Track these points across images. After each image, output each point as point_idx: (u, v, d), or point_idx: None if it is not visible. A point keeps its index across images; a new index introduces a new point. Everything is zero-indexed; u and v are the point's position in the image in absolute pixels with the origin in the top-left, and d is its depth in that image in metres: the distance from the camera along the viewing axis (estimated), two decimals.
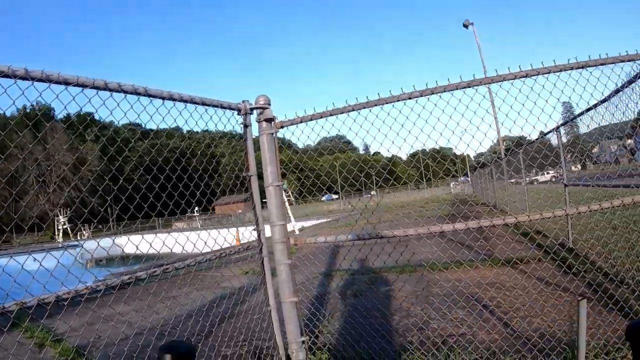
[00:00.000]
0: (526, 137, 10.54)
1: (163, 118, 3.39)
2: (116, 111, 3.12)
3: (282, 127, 3.99)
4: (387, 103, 3.82)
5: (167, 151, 4.49)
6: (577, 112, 6.61)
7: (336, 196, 75.67)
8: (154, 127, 3.77)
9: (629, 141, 6.92)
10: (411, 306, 6.45)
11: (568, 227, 9.21)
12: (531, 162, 11.06)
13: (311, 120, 3.99)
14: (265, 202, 3.94)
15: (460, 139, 3.91)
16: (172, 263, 3.43)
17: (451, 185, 60.83)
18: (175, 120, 3.55)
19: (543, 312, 5.34)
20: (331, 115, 3.94)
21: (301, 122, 4.01)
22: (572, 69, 3.73)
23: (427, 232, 3.84)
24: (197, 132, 4.33)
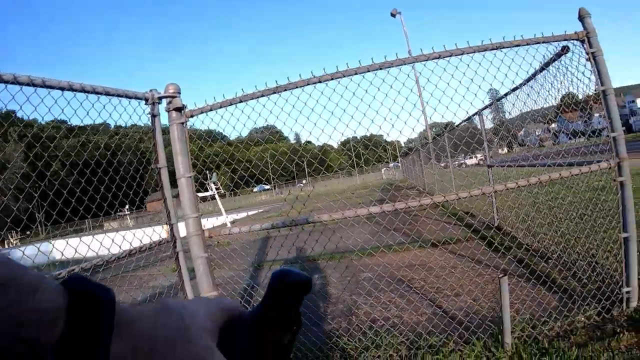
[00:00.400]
0: (454, 123, 10.73)
1: (62, 110, 3.17)
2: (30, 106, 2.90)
3: (192, 116, 3.80)
4: (296, 87, 3.72)
5: (95, 148, 4.25)
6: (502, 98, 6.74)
7: (268, 186, 75.37)
8: (80, 122, 3.57)
9: (553, 125, 7.12)
10: (340, 292, 6.45)
11: (492, 207, 9.54)
12: (457, 146, 11.24)
13: (221, 107, 3.84)
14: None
15: (369, 120, 3.87)
16: (78, 265, 3.21)
17: (382, 172, 61.60)
18: (66, 112, 3.33)
19: (467, 291, 5.42)
20: (241, 101, 3.79)
21: (211, 109, 3.84)
22: (486, 50, 3.75)
23: (341, 217, 3.78)
24: (126, 127, 4.06)
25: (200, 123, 4.03)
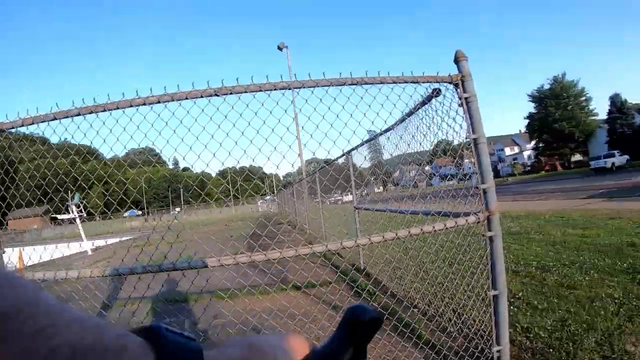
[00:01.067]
0: (331, 160, 10.58)
1: None
2: None
3: (1, 130, 3.18)
4: (117, 108, 3.14)
5: None
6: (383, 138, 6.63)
7: (140, 212, 72.36)
8: None
9: (427, 167, 7.22)
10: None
11: (359, 252, 9.42)
12: (334, 182, 11.16)
13: (32, 123, 3.23)
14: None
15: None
16: None
17: (259, 204, 61.29)
18: None
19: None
20: (55, 119, 3.21)
21: (22, 125, 3.25)
22: (343, 84, 3.37)
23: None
24: None
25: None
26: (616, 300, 5.65)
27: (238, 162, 3.58)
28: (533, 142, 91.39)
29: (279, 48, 39.65)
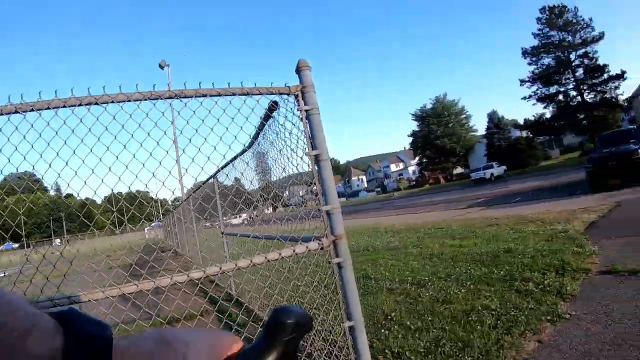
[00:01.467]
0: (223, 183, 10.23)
1: None
2: None
3: None
4: None
5: None
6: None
7: (16, 245, 67.50)
8: None
9: (315, 187, 7.12)
10: None
11: (229, 279, 9.10)
12: (209, 207, 10.78)
13: None
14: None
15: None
16: None
17: (146, 231, 59.12)
18: None
19: None
20: None
21: None
22: (159, 98, 2.90)
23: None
24: None
25: None
26: (493, 312, 5.46)
27: (122, 180, 3.04)
28: (417, 158, 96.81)
29: (161, 66, 39.04)
